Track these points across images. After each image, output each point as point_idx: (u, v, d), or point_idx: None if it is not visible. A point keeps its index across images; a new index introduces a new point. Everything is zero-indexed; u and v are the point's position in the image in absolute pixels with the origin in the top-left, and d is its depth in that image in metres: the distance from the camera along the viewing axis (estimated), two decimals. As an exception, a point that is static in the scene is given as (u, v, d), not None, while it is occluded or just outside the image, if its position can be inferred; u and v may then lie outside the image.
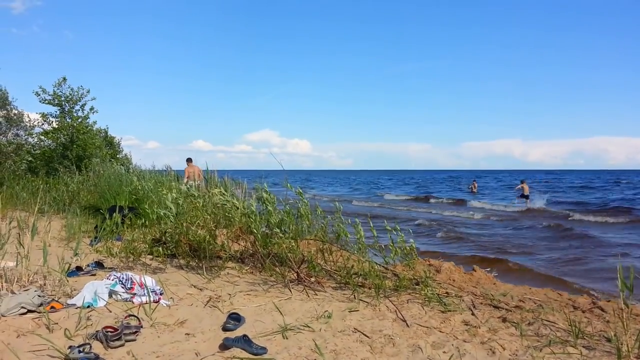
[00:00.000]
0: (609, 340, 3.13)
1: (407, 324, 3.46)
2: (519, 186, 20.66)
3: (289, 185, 5.17)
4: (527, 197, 19.87)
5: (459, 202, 24.30)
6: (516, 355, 2.89)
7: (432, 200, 26.69)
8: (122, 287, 3.86)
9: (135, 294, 3.83)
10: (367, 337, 3.16)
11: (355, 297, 4.11)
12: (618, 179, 57.21)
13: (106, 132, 18.98)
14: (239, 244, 5.75)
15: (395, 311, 3.74)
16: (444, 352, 2.94)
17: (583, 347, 3.00)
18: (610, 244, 10.28)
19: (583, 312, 4.09)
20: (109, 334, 2.87)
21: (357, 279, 4.60)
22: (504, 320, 3.59)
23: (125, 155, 19.24)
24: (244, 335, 2.95)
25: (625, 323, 3.06)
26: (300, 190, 5.12)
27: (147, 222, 6.53)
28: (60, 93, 15.09)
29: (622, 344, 2.89)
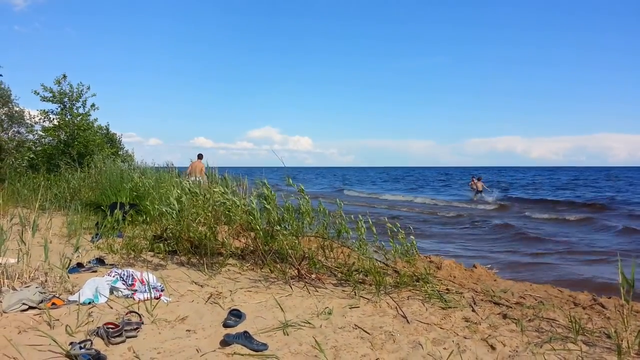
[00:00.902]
0: (609, 336, 3.13)
1: (407, 320, 3.46)
2: (476, 183, 22.34)
3: (290, 181, 5.17)
4: (480, 192, 21.69)
5: (422, 199, 24.01)
6: (516, 351, 2.89)
7: (389, 197, 26.29)
8: (123, 284, 3.87)
9: (136, 290, 3.83)
10: (368, 333, 3.17)
11: (355, 294, 4.11)
12: (609, 175, 56.65)
13: (107, 129, 18.96)
14: (240, 241, 5.76)
15: (396, 308, 3.74)
16: (445, 348, 2.94)
17: (583, 343, 3.01)
18: (549, 240, 9.90)
19: (583, 308, 4.10)
20: (110, 330, 2.88)
21: (357, 275, 4.61)
22: (505, 316, 3.60)
23: (127, 152, 19.20)
24: (245, 332, 2.96)
25: (625, 320, 3.06)
26: (302, 188, 5.11)
27: (148, 218, 6.54)
28: (60, 90, 15.05)
29: (622, 341, 2.89)
